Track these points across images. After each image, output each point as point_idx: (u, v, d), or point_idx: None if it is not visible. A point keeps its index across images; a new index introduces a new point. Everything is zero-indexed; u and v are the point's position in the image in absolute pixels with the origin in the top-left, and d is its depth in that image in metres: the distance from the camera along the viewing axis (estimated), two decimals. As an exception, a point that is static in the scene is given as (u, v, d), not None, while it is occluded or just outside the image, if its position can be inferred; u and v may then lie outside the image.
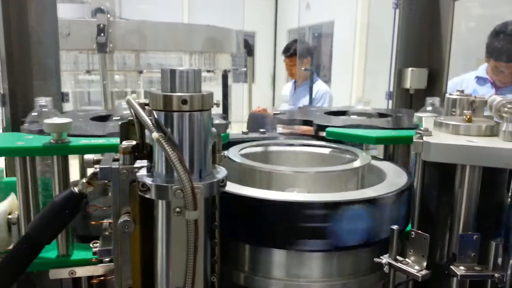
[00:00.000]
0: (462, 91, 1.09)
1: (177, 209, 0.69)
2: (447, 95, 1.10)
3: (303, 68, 3.51)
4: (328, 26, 7.76)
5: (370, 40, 6.34)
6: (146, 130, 0.78)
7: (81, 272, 1.09)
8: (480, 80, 2.56)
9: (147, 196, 0.72)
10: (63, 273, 1.08)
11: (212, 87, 4.53)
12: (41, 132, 1.18)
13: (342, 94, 6.93)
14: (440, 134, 0.93)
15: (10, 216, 1.14)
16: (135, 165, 0.78)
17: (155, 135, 0.68)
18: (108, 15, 3.68)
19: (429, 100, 1.45)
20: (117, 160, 0.82)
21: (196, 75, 0.72)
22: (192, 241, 0.69)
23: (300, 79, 3.76)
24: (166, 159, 0.72)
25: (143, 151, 0.84)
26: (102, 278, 0.97)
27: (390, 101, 2.41)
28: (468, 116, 0.95)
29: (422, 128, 0.91)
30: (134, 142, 0.83)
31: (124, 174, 0.77)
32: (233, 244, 0.98)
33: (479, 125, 0.93)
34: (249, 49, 5.63)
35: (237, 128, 1.92)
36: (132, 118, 0.88)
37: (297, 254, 0.95)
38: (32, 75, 1.85)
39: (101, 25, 3.65)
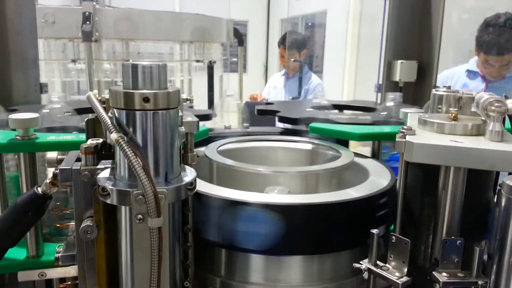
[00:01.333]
0: (449, 87, 1.05)
1: (139, 216, 0.65)
2: (433, 91, 1.06)
3: (292, 60, 3.45)
4: (321, 16, 7.67)
5: (363, 31, 6.28)
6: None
7: (52, 274, 1.04)
8: (470, 73, 2.53)
9: (107, 201, 0.67)
10: (32, 275, 1.03)
11: (203, 77, 4.47)
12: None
13: (334, 85, 6.89)
14: (424, 133, 0.89)
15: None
16: (98, 166, 0.73)
17: (114, 136, 0.63)
18: (94, 3, 3.58)
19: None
20: (79, 160, 0.77)
21: (160, 70, 0.67)
22: (156, 249, 0.64)
23: (293, 70, 3.71)
24: (127, 162, 0.67)
25: (111, 149, 0.79)
26: (69, 283, 0.93)
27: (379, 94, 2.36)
28: (453, 114, 0.90)
29: (405, 127, 0.86)
30: (100, 140, 0.78)
31: (86, 176, 0.72)
32: (209, 247, 0.93)
33: (465, 124, 0.89)
34: (240, 38, 5.55)
35: (228, 119, 1.86)
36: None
37: (275, 258, 0.91)
38: (10, 66, 1.79)
39: (87, 13, 3.56)
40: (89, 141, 0.76)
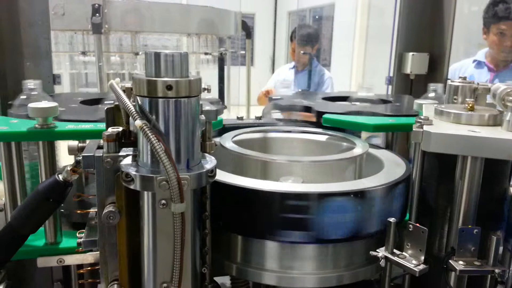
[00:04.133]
0: (464, 78, 1.05)
1: (163, 201, 0.66)
2: (449, 82, 1.06)
3: (302, 52, 3.43)
4: (329, 8, 7.63)
5: (371, 23, 6.24)
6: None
7: (70, 260, 1.06)
8: (477, 64, 2.52)
9: (131, 187, 0.68)
10: (51, 261, 1.05)
11: (210, 70, 4.46)
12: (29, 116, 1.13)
13: (341, 78, 6.86)
14: (440, 123, 0.89)
15: (-4, 203, 1.11)
16: (120, 153, 0.74)
17: (138, 122, 0.64)
18: (104, -5, 3.58)
19: (431, 86, 1.40)
20: (102, 147, 0.79)
21: (182, 59, 0.68)
22: (178, 234, 0.65)
23: (304, 65, 3.68)
24: (151, 148, 0.68)
25: (130, 138, 0.80)
26: (89, 268, 0.94)
27: (390, 87, 2.36)
28: (470, 105, 0.91)
29: (422, 117, 0.87)
30: (120, 129, 0.79)
31: (108, 162, 0.74)
32: (225, 234, 0.95)
33: (481, 114, 0.89)
34: (248, 31, 5.54)
35: (235, 113, 1.88)
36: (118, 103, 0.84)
37: (290, 246, 0.92)
38: (22, 57, 1.80)
39: (96, 5, 3.57)
40: (110, 129, 0.77)
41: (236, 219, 0.89)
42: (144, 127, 0.64)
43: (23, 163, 1.06)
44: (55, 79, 1.95)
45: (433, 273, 0.86)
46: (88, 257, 1.07)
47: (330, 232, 0.85)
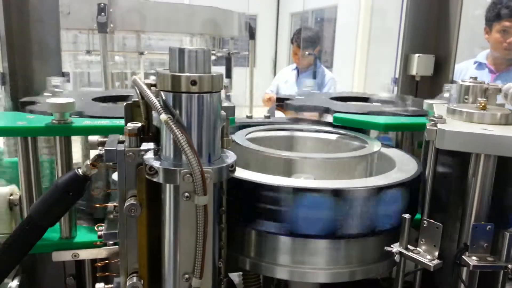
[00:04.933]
0: (475, 78, 1.07)
1: (186, 194, 0.67)
2: (460, 82, 1.08)
3: (306, 53, 3.45)
4: (331, 10, 7.66)
5: (374, 25, 6.26)
6: (153, 112, 0.75)
7: (84, 254, 1.08)
8: (478, 65, 2.55)
9: (154, 179, 0.70)
10: (66, 256, 1.07)
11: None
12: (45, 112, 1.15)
13: (344, 79, 6.88)
14: (453, 122, 0.90)
15: (11, 197, 1.12)
16: (142, 148, 0.76)
17: (163, 117, 0.66)
18: (109, -6, 3.59)
19: (446, 86, 1.42)
20: (122, 142, 0.80)
21: (205, 55, 0.69)
22: (201, 226, 0.67)
23: (307, 65, 3.70)
24: (174, 142, 0.69)
25: (149, 133, 0.82)
26: (106, 261, 0.96)
27: (396, 88, 2.37)
28: (482, 104, 0.92)
29: (436, 115, 0.88)
30: (139, 124, 0.81)
31: (130, 156, 0.75)
32: (239, 229, 0.96)
33: (493, 113, 0.91)
34: (251, 32, 5.55)
35: (238, 113, 1.89)
36: (137, 99, 0.85)
37: (302, 241, 0.93)
38: (31, 54, 1.81)
39: (102, 4, 3.58)
40: (132, 124, 0.78)
41: (251, 214, 0.91)
42: (169, 121, 0.65)
43: (38, 158, 1.08)
44: (64, 77, 1.97)
45: (443, 269, 0.88)
46: (102, 252, 1.08)
47: (345, 228, 0.87)
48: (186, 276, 0.71)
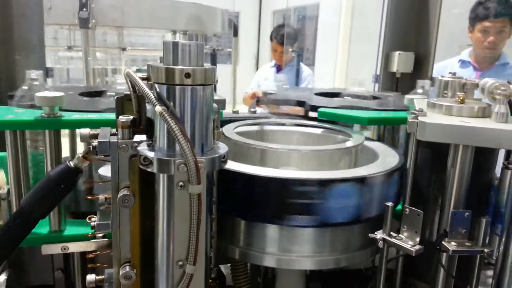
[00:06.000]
0: (454, 74, 1.11)
1: (180, 183, 0.70)
2: (439, 77, 1.12)
3: (290, 50, 3.49)
4: (314, 8, 7.72)
5: (355, 24, 6.35)
6: (147, 104, 0.77)
7: (74, 247, 1.08)
8: (462, 63, 2.62)
9: (149, 169, 0.72)
10: (55, 249, 1.07)
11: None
12: (32, 106, 1.15)
13: (325, 76, 6.96)
14: (433, 115, 0.95)
15: (-1, 191, 1.12)
16: (134, 140, 0.78)
17: (158, 108, 0.68)
18: (91, -11, 3.55)
19: (419, 82, 1.47)
20: (115, 134, 0.82)
21: (198, 49, 0.72)
22: (195, 214, 0.69)
23: (285, 62, 3.70)
24: (168, 133, 0.71)
25: (140, 126, 0.83)
26: (98, 253, 0.97)
27: (377, 84, 2.43)
28: (461, 98, 0.97)
29: (417, 109, 0.92)
30: (131, 117, 0.82)
31: (124, 148, 0.77)
32: (229, 220, 0.99)
33: (471, 106, 0.95)
34: (235, 29, 5.57)
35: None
36: (128, 92, 0.87)
37: (290, 230, 0.96)
38: (15, 49, 1.79)
39: (83, -1, 3.54)
40: (124, 117, 0.80)
41: (241, 204, 0.93)
42: (164, 113, 0.67)
43: (27, 152, 1.08)
44: (48, 72, 1.95)
45: (424, 256, 0.92)
46: (91, 245, 1.09)
47: (332, 217, 0.90)
48: (180, 263, 0.73)
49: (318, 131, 1.27)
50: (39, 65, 1.86)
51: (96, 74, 4.27)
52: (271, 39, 3.74)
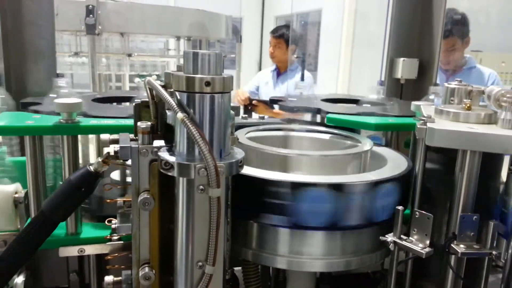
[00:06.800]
0: (460, 81, 1.14)
1: (201, 187, 0.73)
2: (446, 85, 1.15)
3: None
4: (316, 14, 7.77)
5: (358, 30, 6.39)
6: (167, 111, 0.80)
7: (90, 250, 1.11)
8: None
9: (169, 173, 0.75)
10: (72, 251, 1.10)
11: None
12: (49, 113, 1.18)
13: (328, 82, 6.99)
14: (441, 121, 0.98)
15: (16, 195, 1.15)
16: (154, 145, 0.81)
17: (180, 115, 0.71)
18: (97, -4, 3.59)
19: (432, 89, 1.50)
20: (134, 140, 0.85)
21: (217, 58, 0.75)
22: (215, 217, 0.72)
23: (284, 66, 3.69)
24: (188, 138, 0.74)
25: (157, 131, 0.87)
26: (116, 255, 1.00)
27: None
28: (468, 105, 1.00)
29: (425, 115, 0.95)
30: (149, 123, 0.85)
31: (144, 153, 0.80)
32: (241, 222, 1.01)
33: (478, 113, 0.98)
34: (238, 35, 5.61)
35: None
36: (146, 99, 0.90)
37: (301, 232, 0.99)
38: (25, 56, 1.82)
39: (90, 6, 3.58)
40: (144, 123, 0.83)
41: (256, 208, 0.96)
42: (185, 120, 0.70)
43: (44, 157, 1.11)
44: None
45: (432, 259, 0.95)
46: (107, 247, 1.12)
47: (343, 220, 0.93)
48: (200, 263, 0.76)
49: (327, 136, 1.30)
50: (50, 72, 1.89)
51: (101, 79, 4.32)
52: (279, 36, 3.72)
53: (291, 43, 3.62)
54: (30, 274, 1.20)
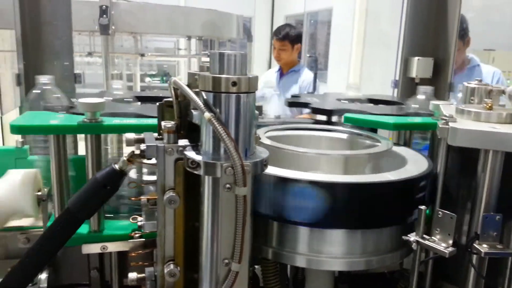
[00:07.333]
0: (480, 80, 1.14)
1: (227, 185, 0.74)
2: (466, 84, 1.15)
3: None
4: (326, 13, 7.75)
5: (368, 29, 6.36)
6: (192, 111, 0.81)
7: (112, 247, 1.13)
8: None
9: (196, 172, 0.76)
10: (95, 248, 1.12)
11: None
12: (68, 111, 1.20)
13: (338, 82, 6.97)
14: (463, 121, 0.98)
15: (39, 193, 1.17)
16: (179, 144, 0.82)
17: (207, 115, 0.72)
18: (110, -3, 3.62)
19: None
20: (159, 139, 0.86)
21: (243, 58, 0.76)
22: (241, 215, 0.73)
23: (287, 66, 3.58)
24: (213, 138, 0.76)
25: (181, 131, 0.88)
26: (140, 252, 1.01)
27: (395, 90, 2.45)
28: (489, 105, 1.00)
29: (447, 115, 0.95)
30: (173, 123, 0.87)
31: (170, 152, 0.81)
32: (262, 221, 1.02)
33: (499, 112, 0.98)
34: (249, 34, 5.62)
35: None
36: (169, 99, 0.91)
37: (321, 231, 1.00)
38: (43, 55, 1.85)
39: (104, 6, 3.62)
40: (168, 123, 0.84)
41: (277, 206, 0.97)
42: (212, 119, 0.71)
43: (67, 155, 1.13)
44: (76, 78, 2.01)
45: (452, 259, 0.95)
46: (128, 244, 1.13)
47: (365, 220, 0.93)
48: (226, 261, 0.77)
49: (346, 135, 1.30)
50: (68, 71, 1.92)
51: (115, 79, 4.36)
52: (282, 39, 3.56)
53: (286, 37, 3.46)
54: (53, 271, 1.23)
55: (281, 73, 3.65)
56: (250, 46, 5.70)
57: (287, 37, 3.50)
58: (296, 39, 3.54)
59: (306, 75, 3.57)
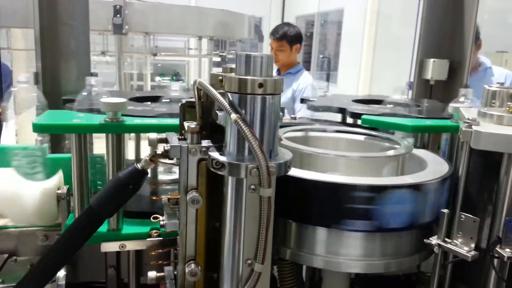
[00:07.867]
0: (502, 84, 1.13)
1: (252, 186, 0.74)
2: (486, 87, 1.14)
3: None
4: (337, 14, 7.73)
5: (380, 30, 6.34)
6: (217, 111, 0.81)
7: (131, 246, 1.14)
8: None
9: (220, 173, 0.76)
10: (114, 247, 1.13)
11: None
12: (90, 110, 1.21)
13: (349, 83, 6.96)
14: (485, 124, 0.97)
15: (59, 191, 1.19)
16: (203, 144, 0.82)
17: (233, 116, 0.72)
18: (124, -3, 3.65)
19: (462, 91, 1.48)
20: (181, 139, 0.87)
21: (269, 60, 0.76)
22: (265, 216, 0.73)
23: (285, 68, 3.41)
24: (238, 138, 0.76)
25: (203, 131, 0.88)
26: (160, 251, 1.02)
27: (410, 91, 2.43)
28: (512, 108, 0.99)
29: (470, 118, 0.95)
30: (196, 123, 0.87)
31: (194, 152, 0.82)
32: (281, 221, 1.02)
33: (522, 116, 0.97)
34: (260, 34, 5.63)
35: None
36: (191, 100, 0.92)
37: (340, 233, 0.99)
38: (60, 55, 1.87)
39: (118, 6, 3.64)
40: (191, 123, 0.84)
41: (295, 207, 0.97)
42: (238, 120, 0.72)
43: (88, 154, 1.14)
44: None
45: (472, 262, 0.94)
46: (146, 243, 1.14)
47: (386, 222, 0.93)
48: (249, 261, 0.77)
49: (364, 137, 1.30)
50: (84, 71, 1.93)
51: (128, 78, 4.39)
52: (279, 39, 3.38)
53: (285, 38, 3.30)
54: (71, 269, 1.24)
55: (278, 74, 3.46)
56: (261, 46, 5.72)
57: (285, 37, 3.31)
58: (295, 39, 3.36)
59: (303, 79, 3.36)
